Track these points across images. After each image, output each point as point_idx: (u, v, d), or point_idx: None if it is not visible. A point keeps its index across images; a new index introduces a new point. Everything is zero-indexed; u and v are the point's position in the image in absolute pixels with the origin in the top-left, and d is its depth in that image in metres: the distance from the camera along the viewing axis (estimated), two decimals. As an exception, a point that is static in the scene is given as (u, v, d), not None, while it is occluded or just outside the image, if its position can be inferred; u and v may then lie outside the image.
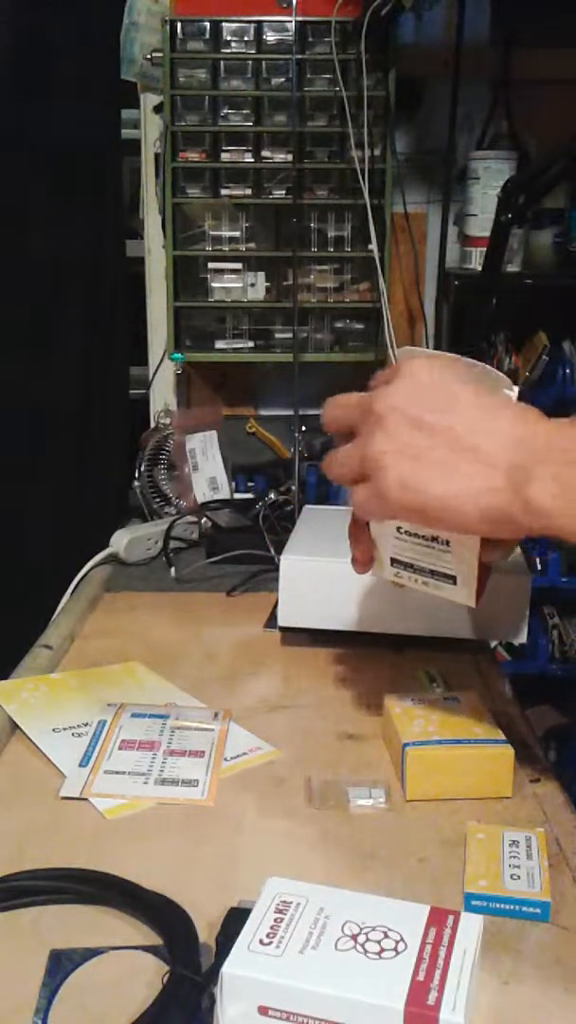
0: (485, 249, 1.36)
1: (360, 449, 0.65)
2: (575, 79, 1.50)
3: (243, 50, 1.40)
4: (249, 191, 1.44)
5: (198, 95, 1.41)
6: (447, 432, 0.61)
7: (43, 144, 1.31)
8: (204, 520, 1.34)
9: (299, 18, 1.38)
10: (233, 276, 1.47)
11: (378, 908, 0.56)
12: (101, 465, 1.50)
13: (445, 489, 0.60)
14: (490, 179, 1.45)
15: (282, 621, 1.03)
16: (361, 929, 0.54)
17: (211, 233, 1.45)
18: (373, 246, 1.44)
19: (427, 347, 1.60)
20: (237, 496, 1.47)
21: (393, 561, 0.73)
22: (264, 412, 1.63)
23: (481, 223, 1.46)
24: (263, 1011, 0.51)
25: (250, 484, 1.50)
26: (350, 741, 0.84)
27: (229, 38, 1.40)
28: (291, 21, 1.38)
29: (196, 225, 1.45)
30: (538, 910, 0.62)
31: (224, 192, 1.44)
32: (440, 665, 0.97)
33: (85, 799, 0.76)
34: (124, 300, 1.57)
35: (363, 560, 0.75)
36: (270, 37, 1.39)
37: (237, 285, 1.47)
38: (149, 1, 1.43)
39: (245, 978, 0.52)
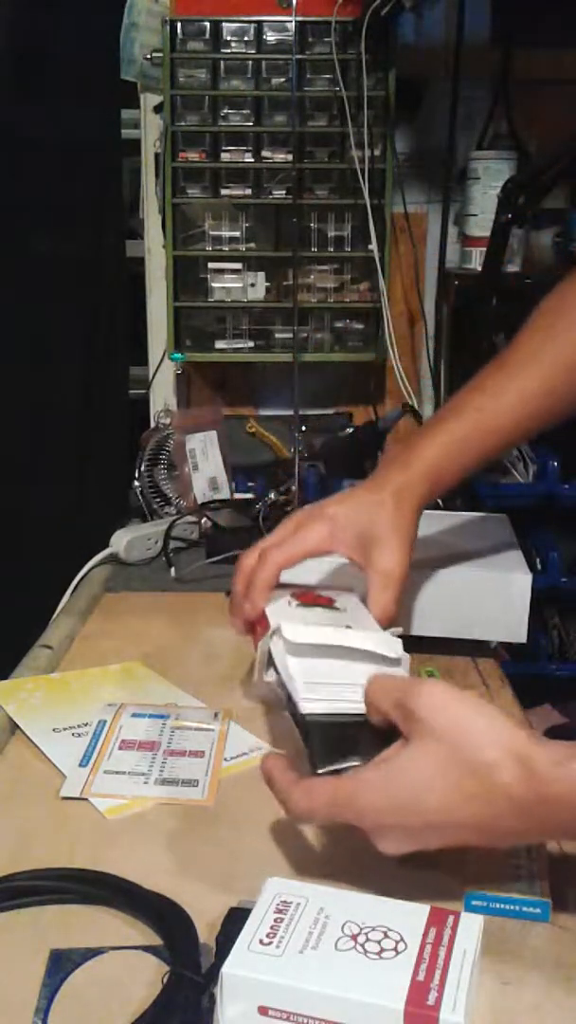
0: (485, 249, 1.36)
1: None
2: (575, 79, 1.50)
3: (243, 50, 1.40)
4: (249, 191, 1.44)
5: (198, 95, 1.41)
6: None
7: (43, 144, 1.31)
8: (204, 520, 1.34)
9: (299, 18, 1.38)
10: (233, 276, 1.47)
11: (378, 908, 0.56)
12: (101, 465, 1.50)
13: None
14: (490, 179, 1.45)
15: (282, 621, 1.03)
16: (361, 929, 0.54)
17: (211, 233, 1.45)
18: (373, 246, 1.44)
19: (427, 347, 1.59)
20: (237, 496, 1.47)
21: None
22: (264, 412, 1.63)
23: (481, 223, 1.46)
24: (263, 1011, 0.51)
25: (250, 484, 1.50)
26: (350, 741, 0.84)
27: (229, 38, 1.40)
28: (291, 21, 1.38)
29: (196, 225, 1.45)
30: (538, 910, 0.62)
31: (224, 192, 1.44)
32: (440, 665, 0.97)
33: (85, 799, 0.76)
34: (124, 300, 1.57)
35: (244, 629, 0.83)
36: (270, 37, 1.39)
37: (237, 285, 1.47)
38: (149, 1, 1.43)
39: (245, 978, 0.51)
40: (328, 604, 0.83)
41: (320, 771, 0.62)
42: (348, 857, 0.68)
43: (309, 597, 0.84)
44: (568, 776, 0.56)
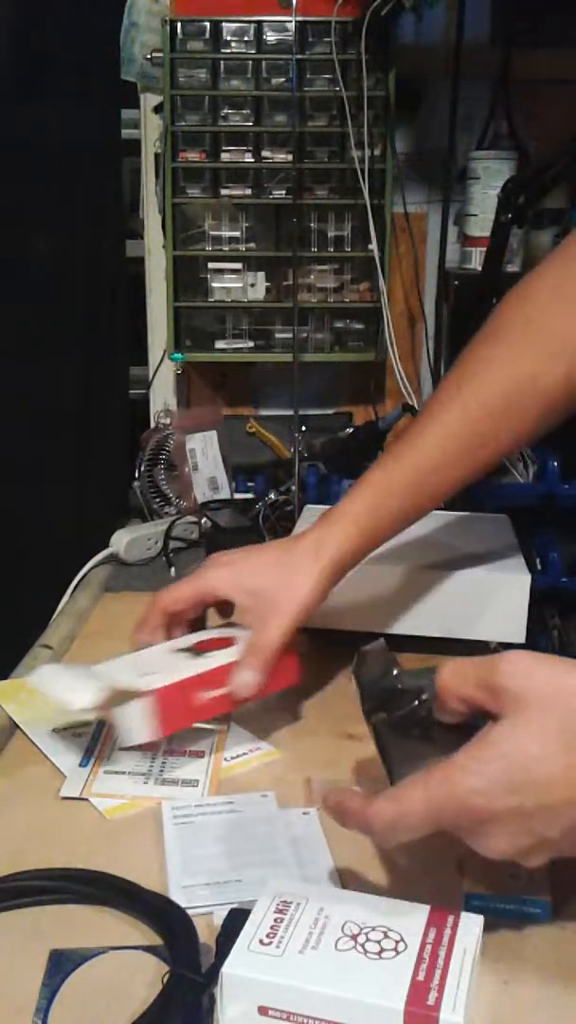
0: (485, 249, 1.36)
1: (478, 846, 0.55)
2: (575, 79, 1.49)
3: (243, 50, 1.40)
4: (249, 191, 1.44)
5: (198, 95, 1.41)
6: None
7: (43, 144, 1.31)
8: (204, 520, 1.34)
9: (299, 18, 1.38)
10: (233, 276, 1.47)
11: (378, 908, 0.56)
12: (101, 465, 1.50)
13: None
14: (490, 179, 1.45)
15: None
16: (361, 929, 0.54)
17: (211, 233, 1.45)
18: (373, 246, 1.44)
19: (427, 347, 1.59)
20: (237, 496, 1.47)
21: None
22: (264, 412, 1.63)
23: (481, 223, 1.46)
24: (263, 1011, 0.51)
25: (250, 484, 1.50)
26: (350, 741, 0.84)
27: (229, 38, 1.40)
28: (291, 21, 1.38)
29: (196, 225, 1.45)
30: (538, 910, 0.62)
31: (224, 192, 1.44)
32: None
33: (85, 799, 0.76)
34: (124, 300, 1.57)
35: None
36: (270, 37, 1.39)
37: (237, 285, 1.47)
38: (149, 1, 1.43)
39: (245, 978, 0.52)
40: (225, 645, 0.81)
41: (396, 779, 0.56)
42: (348, 857, 0.68)
43: (210, 644, 0.83)
44: None
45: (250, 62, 1.40)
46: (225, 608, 0.88)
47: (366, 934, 0.54)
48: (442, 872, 0.66)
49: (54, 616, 1.16)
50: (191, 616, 0.86)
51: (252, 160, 1.43)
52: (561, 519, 1.42)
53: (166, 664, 0.79)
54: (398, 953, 0.53)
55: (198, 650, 0.81)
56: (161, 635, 0.84)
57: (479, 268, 1.45)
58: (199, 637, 0.84)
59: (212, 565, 0.85)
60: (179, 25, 1.39)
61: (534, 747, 0.51)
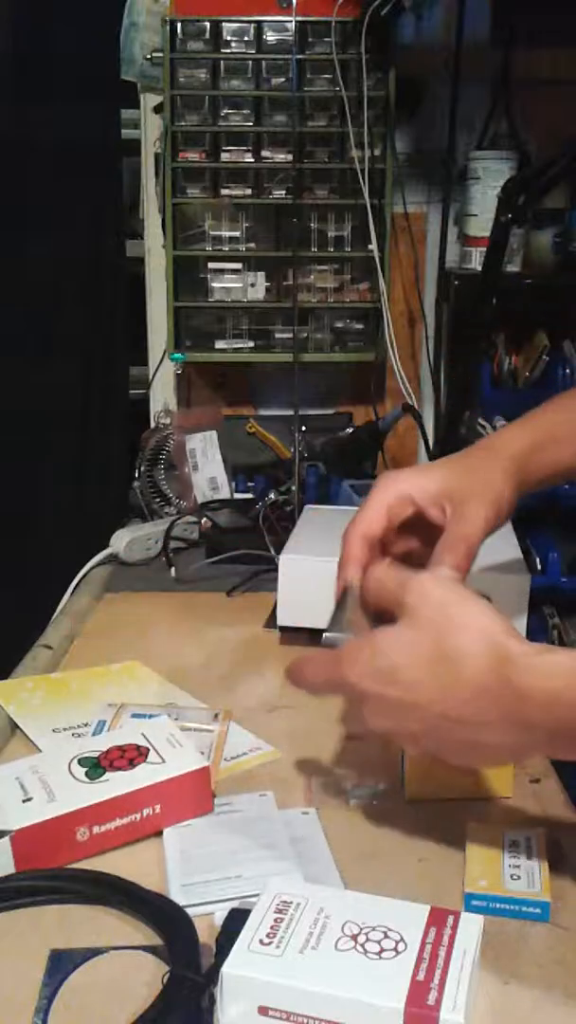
0: (485, 249, 1.35)
1: (378, 719, 0.64)
2: (575, 79, 1.49)
3: (243, 50, 1.40)
4: (249, 191, 1.44)
5: (198, 95, 1.41)
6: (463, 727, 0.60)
7: (43, 144, 1.31)
8: (204, 520, 1.34)
9: (299, 18, 1.38)
10: (233, 276, 1.47)
11: (378, 908, 0.56)
12: (101, 465, 1.50)
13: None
14: (490, 179, 1.45)
15: (281, 620, 1.03)
16: (361, 929, 0.54)
17: (211, 233, 1.45)
18: (373, 246, 1.44)
19: (427, 347, 1.59)
20: (237, 496, 1.47)
21: None
22: (264, 412, 1.63)
23: (481, 223, 1.46)
24: (263, 1011, 0.51)
25: (250, 484, 1.50)
26: (350, 741, 0.84)
27: (229, 38, 1.40)
28: (291, 21, 1.38)
29: (196, 225, 1.45)
30: (538, 910, 0.62)
31: (224, 192, 1.44)
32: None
33: (85, 799, 0.75)
34: (124, 300, 1.57)
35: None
36: (270, 37, 1.39)
37: (237, 285, 1.47)
38: (149, 1, 1.43)
39: (245, 978, 0.52)
40: (132, 757, 0.75)
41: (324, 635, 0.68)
42: (348, 857, 0.68)
43: (113, 755, 0.76)
44: (540, 667, 0.58)
45: (250, 62, 1.40)
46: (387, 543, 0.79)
47: (366, 934, 0.54)
48: (442, 872, 0.66)
49: (54, 616, 1.16)
50: (389, 538, 0.77)
51: (252, 160, 1.43)
52: (561, 519, 1.42)
53: (57, 784, 0.71)
54: (398, 953, 0.53)
55: (101, 765, 0.73)
56: (361, 570, 0.75)
57: (479, 268, 1.45)
58: (111, 741, 0.77)
59: (390, 479, 0.78)
60: (179, 25, 1.39)
61: (404, 652, 0.61)
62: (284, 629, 1.05)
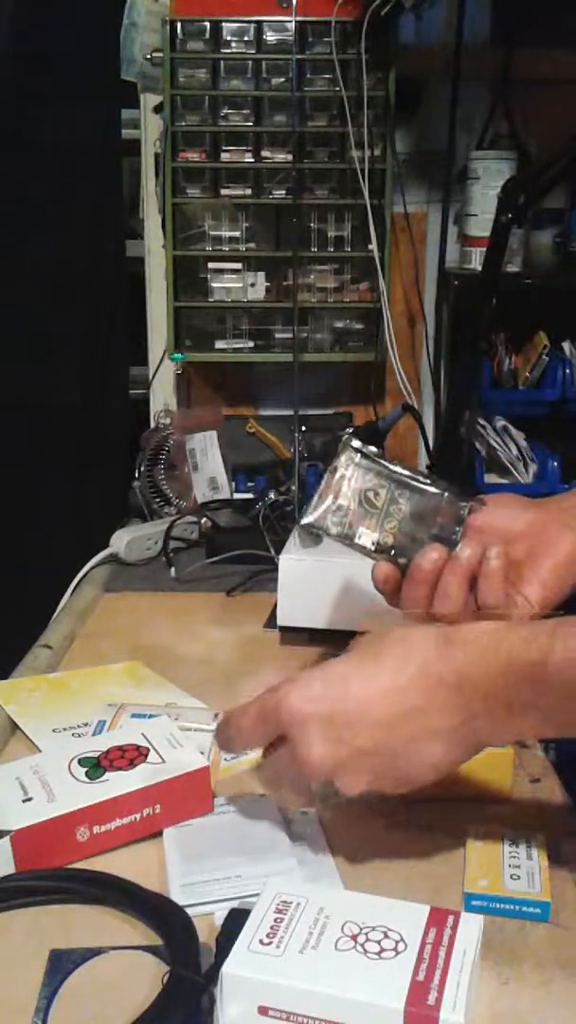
0: (485, 249, 1.35)
1: (298, 758, 0.63)
2: (575, 79, 1.49)
3: (243, 50, 1.40)
4: (249, 191, 1.44)
5: (198, 95, 1.41)
6: (378, 746, 0.61)
7: (43, 144, 1.31)
8: (204, 520, 1.34)
9: (299, 18, 1.38)
10: (233, 276, 1.47)
11: (378, 908, 0.56)
12: (101, 465, 1.50)
13: (413, 780, 0.63)
14: (490, 179, 1.45)
15: (281, 621, 1.03)
16: (361, 929, 0.54)
17: (211, 233, 1.45)
18: (373, 246, 1.44)
19: (427, 347, 1.60)
20: (237, 496, 1.47)
21: None
22: (264, 412, 1.63)
23: (481, 223, 1.46)
24: (263, 1011, 0.51)
25: (250, 484, 1.50)
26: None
27: (229, 38, 1.40)
28: (291, 21, 1.38)
29: (196, 225, 1.45)
30: (538, 910, 0.62)
31: (224, 192, 1.44)
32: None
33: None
34: (124, 300, 1.57)
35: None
36: (270, 37, 1.39)
37: (237, 285, 1.47)
38: (149, 1, 1.43)
39: (245, 978, 0.52)
40: (133, 757, 0.75)
41: None
42: (348, 857, 0.68)
43: (114, 755, 0.75)
44: (478, 632, 0.59)
45: (250, 62, 1.40)
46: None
47: (366, 934, 0.54)
48: (442, 872, 0.66)
49: (54, 616, 1.16)
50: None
51: (252, 160, 1.43)
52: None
53: (57, 784, 0.71)
54: (398, 953, 0.53)
55: (101, 765, 0.73)
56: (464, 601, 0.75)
57: (479, 268, 1.45)
58: (111, 741, 0.76)
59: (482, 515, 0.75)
60: (179, 25, 1.39)
61: (355, 671, 0.62)
62: (284, 629, 1.05)
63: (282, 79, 1.40)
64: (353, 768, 0.62)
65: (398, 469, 0.76)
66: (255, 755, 0.82)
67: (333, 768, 0.62)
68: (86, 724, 0.86)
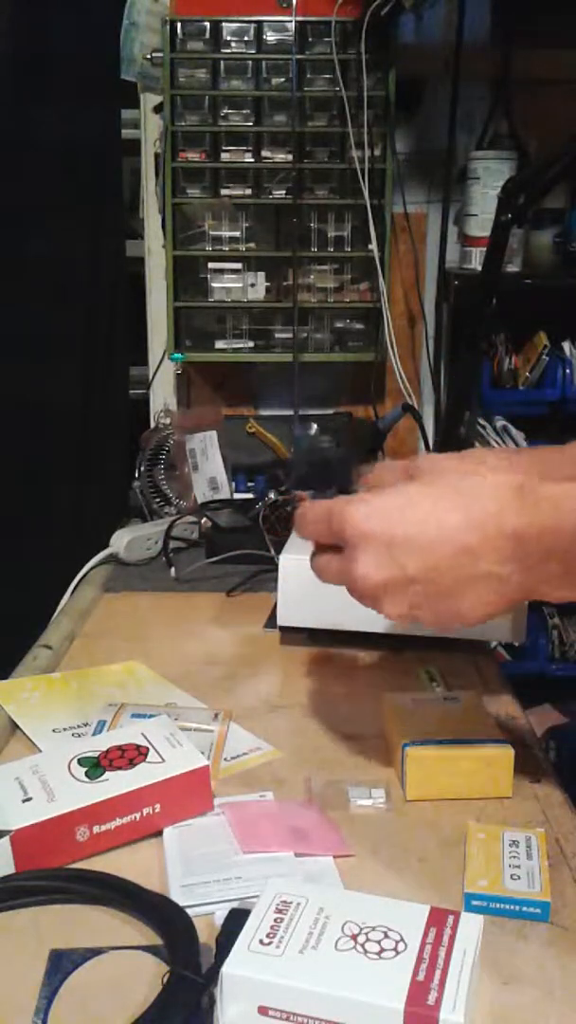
0: (485, 249, 1.36)
1: (348, 572, 0.65)
2: (575, 79, 1.50)
3: (243, 50, 1.40)
4: (249, 191, 1.44)
5: (198, 95, 1.41)
6: (432, 571, 0.61)
7: (43, 144, 1.31)
8: (204, 520, 1.34)
9: (299, 18, 1.38)
10: (233, 276, 1.47)
11: (378, 908, 0.56)
12: (101, 465, 1.50)
13: (451, 619, 0.63)
14: (490, 179, 1.45)
15: (281, 621, 1.03)
16: (361, 929, 0.54)
17: (211, 233, 1.45)
18: (373, 246, 1.44)
19: (427, 347, 1.60)
20: (237, 496, 1.47)
21: None
22: (264, 412, 1.63)
23: (481, 223, 1.46)
24: (263, 1011, 0.51)
25: (250, 484, 1.50)
26: (350, 741, 0.84)
27: (229, 38, 1.40)
28: (291, 21, 1.38)
29: (196, 225, 1.46)
30: (538, 910, 0.62)
31: (224, 192, 1.44)
32: (440, 665, 0.97)
33: (85, 799, 0.75)
34: (124, 300, 1.57)
35: None
36: (270, 37, 1.39)
37: (237, 285, 1.47)
38: (149, 1, 1.43)
39: (245, 978, 0.51)
40: (132, 756, 0.74)
41: None
42: (349, 857, 0.68)
43: (113, 754, 0.75)
44: (559, 490, 0.58)
45: (250, 62, 1.40)
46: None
47: (366, 934, 0.54)
48: (442, 872, 0.66)
49: (54, 616, 1.16)
50: None
51: (252, 160, 1.43)
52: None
53: (57, 784, 0.70)
54: (398, 953, 0.53)
55: (101, 765, 0.72)
56: None
57: (479, 268, 1.46)
58: (111, 741, 0.76)
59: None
60: (179, 25, 1.39)
61: (425, 500, 0.62)
62: (284, 629, 1.05)
63: (282, 79, 1.40)
64: (398, 592, 0.62)
65: None
66: (255, 755, 0.82)
67: (377, 588, 0.63)
68: (86, 724, 0.86)
